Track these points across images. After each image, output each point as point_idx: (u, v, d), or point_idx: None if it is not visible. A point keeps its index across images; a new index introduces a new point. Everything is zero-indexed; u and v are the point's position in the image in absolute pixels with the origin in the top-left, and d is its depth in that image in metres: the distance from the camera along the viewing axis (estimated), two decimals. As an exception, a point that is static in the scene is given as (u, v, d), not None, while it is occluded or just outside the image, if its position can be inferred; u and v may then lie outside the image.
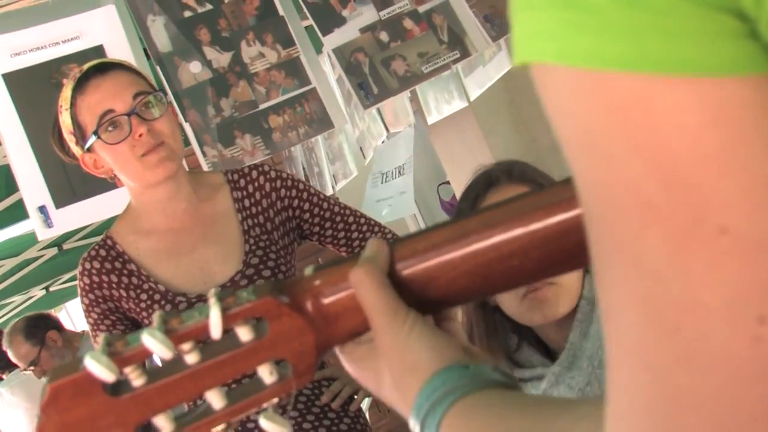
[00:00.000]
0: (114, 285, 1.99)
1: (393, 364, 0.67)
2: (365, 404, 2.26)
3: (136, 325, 1.99)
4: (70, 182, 2.32)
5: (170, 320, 0.60)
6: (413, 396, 0.65)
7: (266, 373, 0.62)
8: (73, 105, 1.89)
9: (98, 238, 2.09)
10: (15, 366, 4.39)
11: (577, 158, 0.40)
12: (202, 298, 1.89)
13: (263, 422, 0.61)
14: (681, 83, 0.35)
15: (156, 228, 2.01)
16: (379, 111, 3.67)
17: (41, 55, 2.39)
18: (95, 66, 1.92)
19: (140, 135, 1.85)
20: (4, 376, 5.13)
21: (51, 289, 6.66)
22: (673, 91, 0.36)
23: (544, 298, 1.50)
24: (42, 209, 2.28)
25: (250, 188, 2.06)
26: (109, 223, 2.23)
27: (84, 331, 4.34)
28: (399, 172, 3.90)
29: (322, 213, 2.11)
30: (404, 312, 0.65)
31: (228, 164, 2.31)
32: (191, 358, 0.60)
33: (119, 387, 0.60)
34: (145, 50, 2.47)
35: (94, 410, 0.59)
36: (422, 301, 0.66)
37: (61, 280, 6.63)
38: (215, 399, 0.61)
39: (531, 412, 0.60)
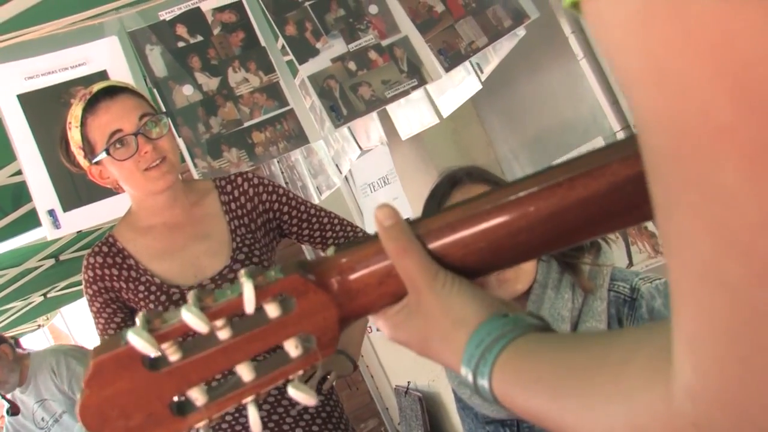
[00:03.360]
0: (115, 278, 2.04)
1: (439, 321, 0.65)
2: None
3: (135, 315, 1.97)
4: (77, 189, 2.35)
5: (204, 298, 0.58)
6: (462, 348, 0.63)
7: (292, 347, 0.60)
8: (83, 124, 1.94)
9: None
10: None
11: (645, 90, 0.37)
12: (193, 289, 1.94)
13: (292, 391, 0.61)
14: (759, 5, 0.32)
15: (153, 227, 2.06)
16: (351, 131, 3.76)
17: (52, 79, 2.42)
18: (104, 89, 1.96)
19: (146, 152, 1.91)
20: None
21: (48, 295, 6.66)
22: (750, 12, 0.32)
23: (507, 278, 1.59)
24: (51, 212, 2.32)
25: (236, 193, 2.11)
26: (102, 235, 2.26)
27: (30, 351, 4.37)
28: (384, 182, 3.97)
29: (299, 215, 2.17)
30: (443, 273, 0.64)
31: (216, 174, 2.36)
32: (223, 334, 0.58)
33: (157, 362, 0.59)
34: (143, 75, 2.50)
35: (134, 384, 0.58)
36: None
37: (58, 288, 6.63)
38: (245, 372, 0.60)
39: (583, 347, 0.57)
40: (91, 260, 2.07)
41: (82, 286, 2.13)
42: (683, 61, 0.34)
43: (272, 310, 0.59)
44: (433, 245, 0.64)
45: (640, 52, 0.36)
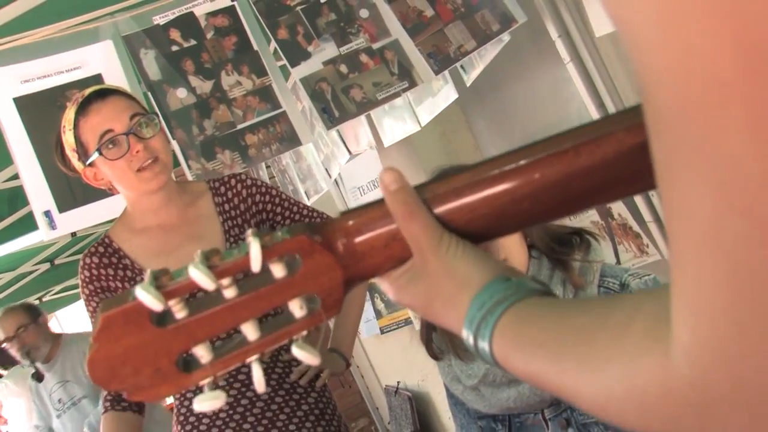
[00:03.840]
0: (111, 277, 2.03)
1: (442, 283, 0.64)
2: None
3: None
4: (72, 190, 2.34)
5: (211, 257, 0.58)
6: (464, 310, 0.63)
7: (297, 308, 0.60)
8: (76, 126, 1.93)
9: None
10: (15, 362, 4.44)
11: (649, 48, 0.36)
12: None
13: (296, 351, 0.60)
14: None
15: (148, 228, 2.06)
16: (341, 136, 3.76)
17: (48, 82, 2.41)
18: (96, 92, 1.96)
19: (137, 151, 1.91)
20: (4, 373, 5.15)
21: (44, 299, 6.63)
22: None
23: None
24: (47, 213, 2.31)
25: (230, 194, 2.11)
26: (97, 239, 2.25)
27: (63, 333, 4.47)
28: (373, 185, 3.98)
29: (292, 216, 2.17)
30: (447, 236, 0.63)
31: (210, 176, 2.36)
32: (229, 293, 0.58)
33: (164, 318, 0.58)
34: (138, 78, 2.50)
35: (141, 338, 0.58)
36: None
37: (53, 292, 6.63)
38: (250, 331, 0.60)
39: (584, 311, 0.56)
40: (88, 260, 2.06)
41: (78, 289, 2.12)
42: (688, 19, 0.34)
43: (278, 270, 0.59)
44: (439, 210, 0.64)
45: (645, 11, 0.36)
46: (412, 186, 0.64)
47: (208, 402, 0.59)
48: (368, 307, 4.81)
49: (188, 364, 0.60)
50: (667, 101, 0.37)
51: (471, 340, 0.62)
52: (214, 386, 0.60)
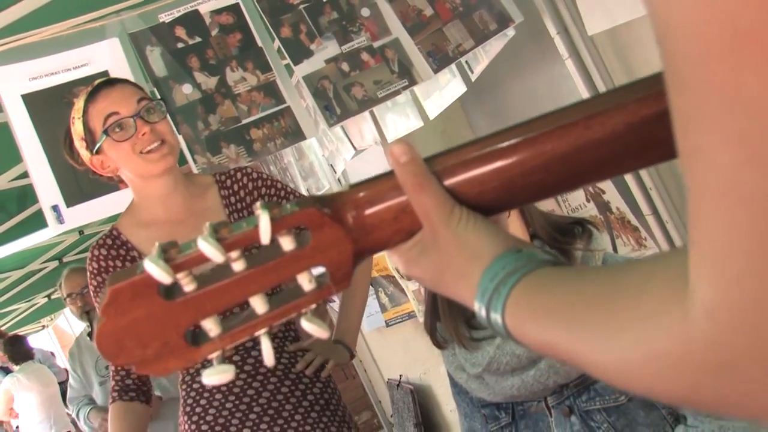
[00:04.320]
0: (119, 269, 2.02)
1: (453, 256, 0.63)
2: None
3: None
4: (79, 184, 2.33)
5: (220, 230, 0.56)
6: (476, 282, 0.61)
7: (305, 281, 0.58)
8: (85, 113, 1.94)
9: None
10: (28, 358, 4.45)
11: (668, 3, 0.36)
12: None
13: (305, 324, 0.59)
14: None
15: (155, 220, 2.05)
16: (345, 132, 3.75)
17: (55, 79, 2.41)
18: (104, 81, 1.98)
19: (143, 134, 1.92)
20: (15, 368, 5.16)
21: (52, 297, 6.61)
22: None
23: None
24: (55, 208, 2.30)
25: (236, 187, 2.10)
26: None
27: None
28: None
29: None
30: (458, 208, 0.62)
31: (215, 169, 2.35)
32: (238, 266, 0.56)
33: (172, 291, 0.57)
34: (144, 75, 2.49)
35: (150, 312, 0.56)
36: None
37: (62, 289, 6.60)
38: (258, 304, 0.58)
39: (597, 279, 0.55)
40: (96, 252, 2.06)
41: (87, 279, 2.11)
42: None
43: (287, 243, 0.57)
44: (449, 182, 0.62)
45: None
46: (422, 158, 0.62)
47: (217, 375, 0.57)
48: (372, 302, 4.80)
49: (197, 337, 0.58)
50: (687, 47, 0.35)
51: (483, 312, 0.60)
52: (223, 360, 0.58)
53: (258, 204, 0.57)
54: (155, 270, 0.54)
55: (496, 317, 0.59)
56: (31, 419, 5.24)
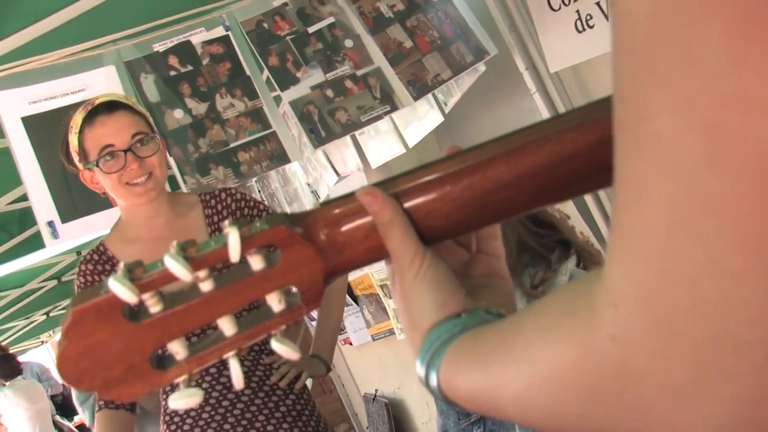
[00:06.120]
0: (105, 284, 1.96)
1: (402, 316, 0.58)
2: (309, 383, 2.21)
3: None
4: (74, 202, 2.27)
5: (188, 248, 0.50)
6: (419, 345, 0.56)
7: (275, 301, 0.52)
8: (81, 132, 1.89)
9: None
10: (16, 374, 4.31)
11: None
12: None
13: (275, 345, 0.53)
14: None
15: (139, 237, 2.00)
16: (328, 158, 3.69)
17: (54, 103, 2.36)
18: (104, 103, 1.91)
19: (131, 169, 1.86)
20: (6, 383, 5.02)
21: (51, 314, 6.47)
22: None
23: None
24: (50, 223, 2.23)
25: (219, 207, 2.05)
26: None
27: None
28: None
29: None
30: (420, 258, 0.55)
31: (204, 190, 2.29)
32: (206, 286, 0.51)
33: (137, 313, 0.51)
34: (138, 101, 2.41)
35: (113, 334, 0.50)
36: (423, 232, 0.56)
37: (60, 307, 6.45)
38: (227, 326, 0.52)
39: (518, 313, 0.49)
40: (83, 267, 2.00)
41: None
42: None
43: (256, 263, 0.51)
44: (420, 200, 0.55)
45: None
46: (390, 201, 0.55)
47: (183, 400, 0.51)
48: (357, 319, 4.78)
49: (163, 361, 0.52)
50: (641, 5, 0.30)
51: (423, 375, 0.54)
52: (190, 384, 0.52)
53: (227, 222, 0.51)
54: (120, 289, 0.48)
55: (433, 385, 0.53)
56: (20, 434, 5.12)
